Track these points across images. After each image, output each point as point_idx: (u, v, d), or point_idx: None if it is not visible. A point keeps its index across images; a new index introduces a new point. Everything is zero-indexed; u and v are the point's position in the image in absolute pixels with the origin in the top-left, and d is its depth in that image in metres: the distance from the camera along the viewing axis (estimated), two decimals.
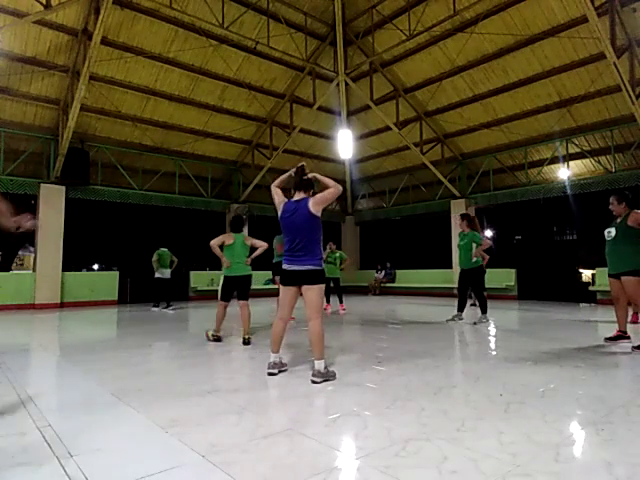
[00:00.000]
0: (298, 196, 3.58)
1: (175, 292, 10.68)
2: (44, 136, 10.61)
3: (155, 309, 9.84)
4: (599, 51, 8.85)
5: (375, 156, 15.23)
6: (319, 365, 3.33)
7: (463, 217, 7.00)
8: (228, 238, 5.33)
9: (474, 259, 6.67)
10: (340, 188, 3.53)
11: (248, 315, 5.29)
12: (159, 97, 11.39)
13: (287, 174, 3.76)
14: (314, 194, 3.60)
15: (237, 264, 5.31)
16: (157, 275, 9.83)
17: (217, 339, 5.31)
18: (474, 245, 6.68)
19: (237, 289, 5.38)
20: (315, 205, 3.46)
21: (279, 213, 3.63)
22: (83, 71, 9.18)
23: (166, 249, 10.01)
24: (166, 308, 9.88)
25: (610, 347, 4.62)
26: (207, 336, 5.38)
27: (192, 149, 13.00)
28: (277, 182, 3.82)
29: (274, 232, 7.40)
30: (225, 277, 5.37)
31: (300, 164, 3.70)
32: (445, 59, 11.20)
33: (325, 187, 3.58)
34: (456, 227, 12.97)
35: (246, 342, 5.11)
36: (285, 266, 3.54)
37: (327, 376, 3.31)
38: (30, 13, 8.46)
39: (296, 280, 3.50)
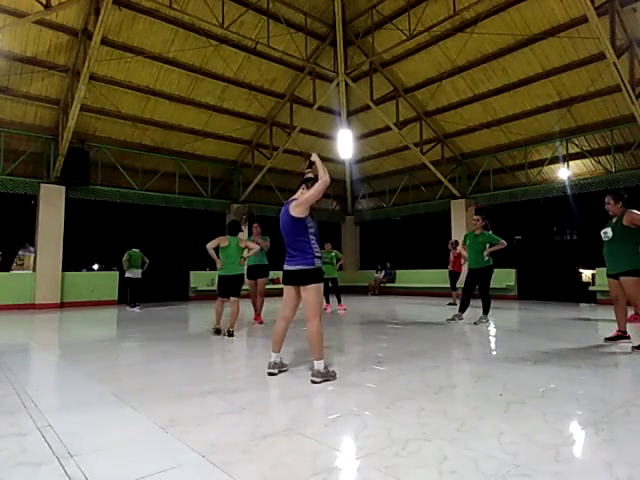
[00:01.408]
0: (293, 196, 3.59)
1: (144, 291, 10.90)
2: (44, 136, 10.61)
3: (134, 309, 10.08)
4: (599, 51, 8.85)
5: (375, 156, 15.23)
6: (318, 365, 3.32)
7: (484, 218, 6.83)
8: (223, 241, 5.82)
9: (485, 258, 6.64)
10: (326, 180, 3.39)
11: (236, 311, 5.76)
12: (159, 97, 11.39)
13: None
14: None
15: (230, 265, 5.79)
16: (127, 275, 10.26)
17: (217, 331, 5.74)
18: (487, 245, 6.66)
19: (229, 287, 5.82)
20: (296, 207, 3.42)
21: None
22: (83, 71, 9.18)
23: (137, 250, 10.41)
24: (137, 306, 10.22)
25: (610, 347, 4.62)
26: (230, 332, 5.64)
27: (192, 149, 13.00)
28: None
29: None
30: (219, 276, 5.90)
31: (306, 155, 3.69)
32: (445, 59, 11.20)
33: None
34: (456, 227, 13.04)
35: (230, 334, 5.55)
36: (284, 266, 3.58)
37: (327, 376, 3.31)
38: (30, 13, 8.46)
39: (292, 280, 3.51)
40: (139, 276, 10.35)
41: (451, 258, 10.46)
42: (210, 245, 5.76)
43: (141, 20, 9.85)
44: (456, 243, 10.57)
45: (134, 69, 10.63)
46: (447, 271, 10.62)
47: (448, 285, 12.20)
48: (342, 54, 11.90)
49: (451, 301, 10.44)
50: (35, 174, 10.70)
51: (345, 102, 13.63)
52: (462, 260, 10.20)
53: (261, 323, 7.01)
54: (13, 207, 16.51)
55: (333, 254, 9.39)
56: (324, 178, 3.40)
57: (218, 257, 5.80)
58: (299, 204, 3.43)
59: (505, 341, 5.40)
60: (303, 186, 3.56)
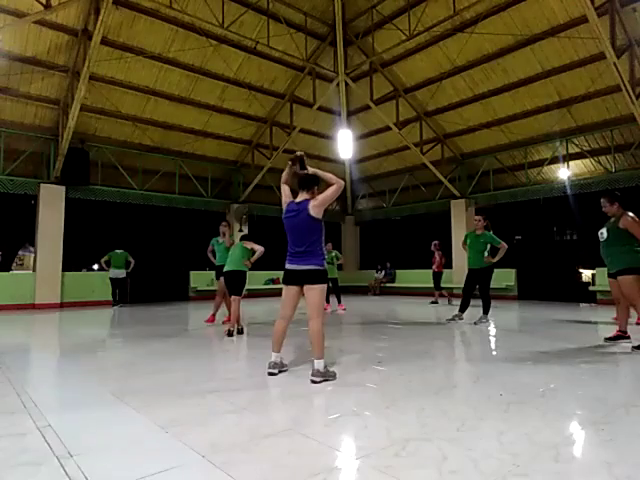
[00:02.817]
0: (301, 197, 3.56)
1: (128, 291, 11.39)
2: (44, 136, 10.61)
3: (120, 306, 10.60)
4: (599, 51, 8.85)
5: (375, 156, 15.23)
6: (319, 365, 3.32)
7: (485, 218, 6.84)
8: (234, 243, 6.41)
9: (487, 262, 6.64)
10: (342, 183, 3.50)
11: (236, 310, 5.84)
12: (159, 97, 11.39)
13: (288, 166, 3.70)
14: (319, 191, 3.57)
15: (231, 262, 6.00)
16: (110, 275, 10.66)
17: (239, 331, 5.84)
18: (488, 246, 6.65)
19: (229, 283, 5.97)
20: (315, 208, 3.43)
21: (285, 201, 3.64)
22: (83, 71, 9.18)
23: (121, 250, 10.81)
24: (116, 305, 10.67)
25: (610, 347, 4.62)
26: (230, 331, 5.73)
27: (192, 149, 12.99)
28: (283, 178, 3.77)
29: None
30: (223, 273, 6.15)
31: (298, 153, 3.63)
32: (445, 59, 11.19)
33: (327, 184, 3.55)
34: (457, 227, 13.03)
35: (230, 334, 5.60)
36: (287, 266, 3.55)
37: (327, 376, 3.31)
38: (30, 13, 8.46)
39: (298, 280, 3.50)
40: (122, 276, 10.77)
41: (437, 259, 10.88)
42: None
43: (141, 20, 9.84)
44: (440, 244, 11.02)
45: (134, 69, 10.63)
46: (442, 272, 11.06)
47: (448, 285, 12.31)
48: (342, 54, 11.89)
49: (447, 300, 10.79)
50: (35, 174, 10.69)
51: (345, 102, 13.63)
52: (442, 260, 10.90)
53: (210, 321, 6.92)
54: (13, 207, 16.48)
55: (334, 254, 9.43)
56: (340, 182, 3.50)
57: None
58: (319, 204, 3.44)
59: (505, 341, 5.40)
60: (315, 188, 3.57)
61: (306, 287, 3.46)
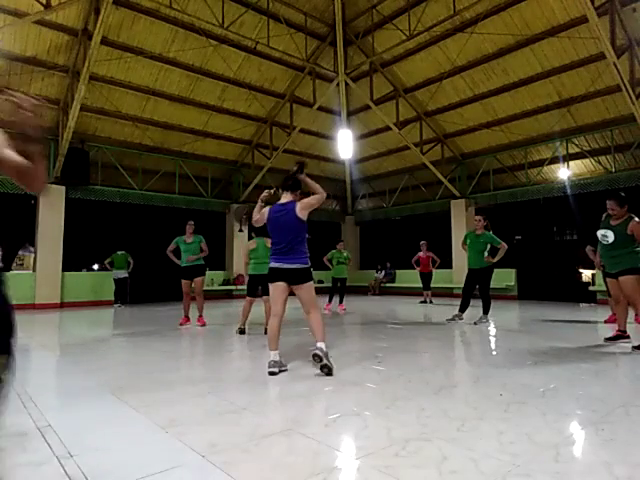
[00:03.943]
0: (285, 198, 3.78)
1: (130, 291, 11.66)
2: (44, 136, 10.60)
3: (119, 306, 10.82)
4: (599, 51, 8.85)
5: (375, 156, 15.23)
6: (321, 344, 3.50)
7: (485, 218, 6.83)
8: (252, 244, 6.09)
9: (487, 263, 6.63)
10: (325, 195, 3.74)
11: (269, 308, 5.78)
12: (159, 97, 11.39)
13: (259, 205, 3.93)
14: (302, 194, 3.80)
15: (260, 264, 5.85)
16: (112, 276, 11.02)
17: (241, 331, 5.85)
18: (488, 246, 6.65)
19: (261, 285, 5.92)
20: (302, 210, 3.67)
21: (265, 217, 3.82)
22: (83, 71, 9.19)
23: (123, 252, 11.07)
24: (118, 304, 10.88)
25: (610, 347, 4.62)
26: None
27: (192, 149, 13.00)
28: (254, 215, 3.95)
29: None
30: (250, 275, 6.03)
31: (301, 161, 3.84)
32: (445, 59, 11.20)
33: (311, 190, 3.75)
34: (456, 227, 13.03)
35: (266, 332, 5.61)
36: (273, 264, 3.72)
37: (328, 357, 3.45)
38: (30, 13, 8.46)
39: (284, 277, 3.66)
40: (123, 276, 11.03)
41: (424, 259, 10.99)
42: (243, 256, 6.19)
43: (141, 20, 9.85)
44: (426, 245, 11.11)
45: (134, 69, 10.63)
46: (433, 272, 11.21)
47: (448, 285, 12.30)
48: (342, 54, 11.89)
49: (426, 299, 11.08)
50: None
51: (345, 102, 13.62)
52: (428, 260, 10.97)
53: (204, 325, 6.72)
54: (13, 207, 16.48)
55: (345, 254, 9.31)
56: (324, 194, 3.74)
57: (249, 259, 6.06)
58: (304, 208, 3.68)
59: (505, 341, 5.40)
60: (298, 192, 3.79)
61: (295, 287, 3.65)
